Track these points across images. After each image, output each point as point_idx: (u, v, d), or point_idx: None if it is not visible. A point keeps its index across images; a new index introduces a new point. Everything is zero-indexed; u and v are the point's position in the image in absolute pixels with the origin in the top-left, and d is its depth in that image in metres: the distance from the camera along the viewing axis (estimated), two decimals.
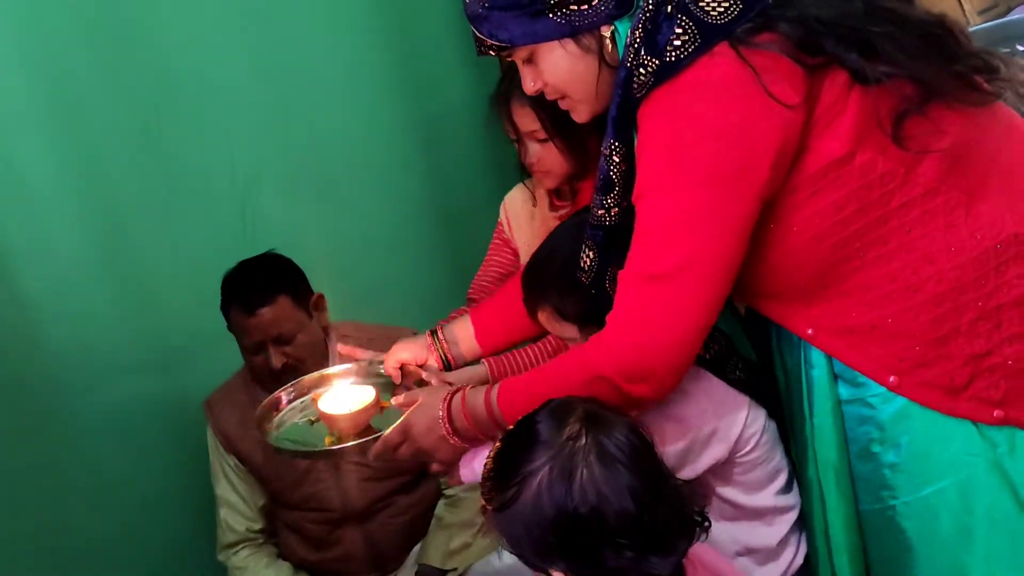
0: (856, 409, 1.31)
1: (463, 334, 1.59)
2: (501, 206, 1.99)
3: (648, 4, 1.19)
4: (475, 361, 1.62)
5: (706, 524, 1.15)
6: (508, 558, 2.16)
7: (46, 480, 2.23)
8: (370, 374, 1.67)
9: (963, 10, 3.32)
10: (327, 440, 1.53)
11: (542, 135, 1.72)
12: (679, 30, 1.15)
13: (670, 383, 1.22)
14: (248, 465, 2.09)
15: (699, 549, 1.19)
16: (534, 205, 1.90)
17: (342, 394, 1.58)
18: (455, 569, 2.10)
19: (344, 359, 1.71)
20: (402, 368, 1.59)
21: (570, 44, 1.24)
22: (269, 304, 1.92)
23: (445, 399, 1.37)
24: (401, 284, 2.68)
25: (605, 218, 1.29)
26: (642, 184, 1.20)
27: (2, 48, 2.02)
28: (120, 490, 2.31)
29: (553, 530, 1.07)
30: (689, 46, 1.15)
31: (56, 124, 2.12)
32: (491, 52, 1.28)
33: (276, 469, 2.07)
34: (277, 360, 1.93)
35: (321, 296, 2.06)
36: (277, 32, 2.34)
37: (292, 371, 1.96)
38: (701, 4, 1.16)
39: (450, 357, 1.59)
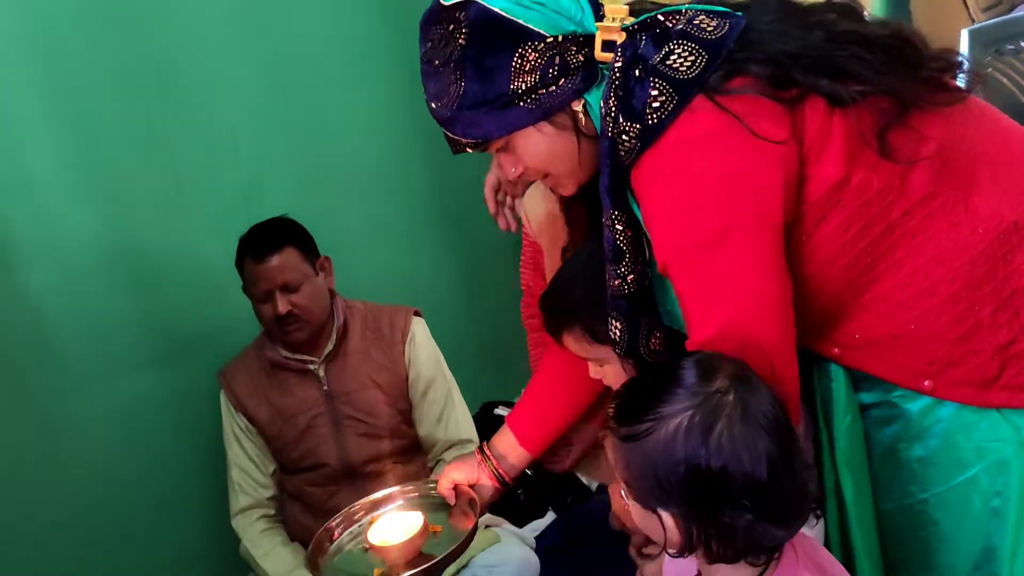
0: (880, 412, 1.31)
1: (507, 445, 1.58)
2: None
3: (615, 72, 1.18)
4: (527, 468, 1.62)
5: (818, 512, 1.13)
6: (511, 551, 2.18)
7: (53, 475, 2.21)
8: (423, 495, 1.68)
9: (967, 7, 3.34)
10: (376, 573, 1.53)
11: None
12: (655, 91, 1.15)
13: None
14: (255, 424, 2.16)
15: (800, 537, 1.16)
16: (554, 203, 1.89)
17: (392, 523, 1.59)
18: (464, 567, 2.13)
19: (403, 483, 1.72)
20: (456, 488, 1.59)
21: (544, 126, 1.23)
22: (277, 252, 2.04)
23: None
24: (406, 277, 2.70)
25: (623, 287, 1.26)
26: (664, 254, 1.18)
27: (7, 44, 2.04)
28: (128, 484, 2.30)
29: (679, 476, 1.04)
30: (668, 105, 1.14)
31: (62, 119, 2.13)
32: (467, 149, 1.27)
33: (279, 427, 2.15)
34: (283, 306, 2.03)
35: (328, 258, 2.16)
36: (284, 27, 2.39)
37: (296, 320, 2.06)
38: (668, 63, 1.15)
39: (502, 471, 1.58)
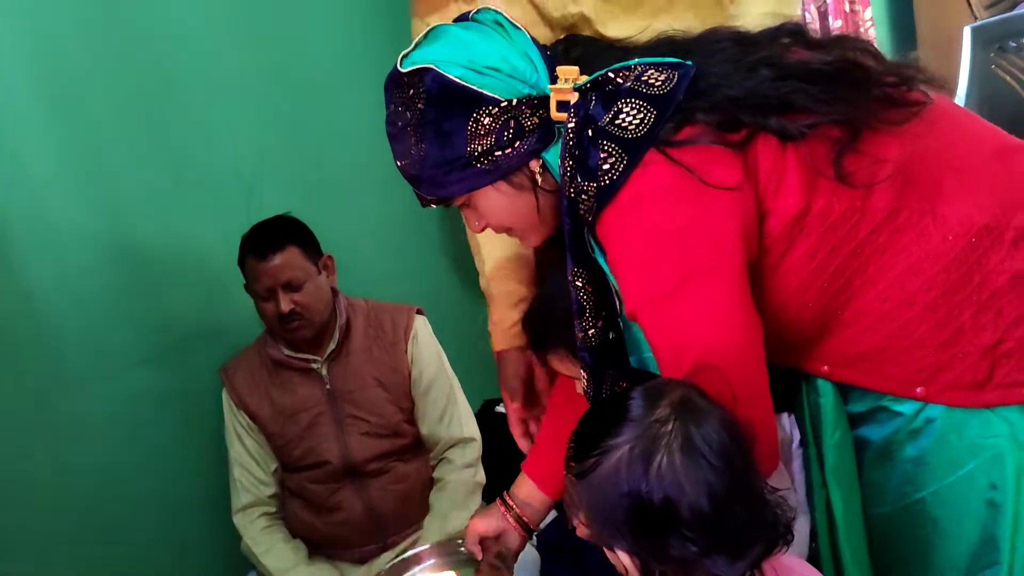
0: (873, 417, 1.32)
1: (528, 491, 1.58)
2: None
3: (569, 133, 1.21)
4: (548, 511, 1.62)
5: (789, 537, 1.12)
6: None
7: (54, 472, 2.21)
8: (452, 552, 1.69)
9: (970, 4, 3.34)
10: None
11: None
12: (603, 154, 1.18)
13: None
14: (257, 422, 2.17)
15: (789, 559, 1.16)
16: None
17: None
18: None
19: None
20: (482, 543, 1.59)
21: (502, 185, 1.26)
22: (280, 251, 2.04)
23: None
24: (404, 277, 2.70)
25: (586, 341, 1.29)
26: (631, 304, 1.22)
27: (6, 43, 2.04)
28: (129, 481, 2.30)
29: (623, 509, 1.04)
30: (618, 165, 1.18)
31: (60, 117, 2.12)
32: (433, 204, 1.31)
33: (281, 425, 2.15)
34: (285, 304, 2.04)
35: (330, 257, 2.16)
36: (283, 26, 2.38)
37: (299, 318, 2.07)
38: (617, 123, 1.18)
39: (526, 518, 1.58)
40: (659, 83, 1.19)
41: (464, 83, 1.20)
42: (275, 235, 2.07)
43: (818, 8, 3.31)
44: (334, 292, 2.18)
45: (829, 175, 1.18)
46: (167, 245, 2.30)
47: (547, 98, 1.23)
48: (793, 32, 1.28)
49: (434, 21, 1.58)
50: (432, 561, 1.68)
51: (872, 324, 1.24)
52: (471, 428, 2.28)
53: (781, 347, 1.29)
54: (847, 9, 3.31)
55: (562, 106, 1.22)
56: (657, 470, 1.03)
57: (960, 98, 2.97)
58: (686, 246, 1.16)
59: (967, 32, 2.96)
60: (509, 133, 1.21)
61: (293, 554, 2.17)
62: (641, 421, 1.06)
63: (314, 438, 2.14)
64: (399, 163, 1.28)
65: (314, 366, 2.15)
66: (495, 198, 1.27)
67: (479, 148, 1.22)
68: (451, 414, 2.24)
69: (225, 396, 2.20)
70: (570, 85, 1.22)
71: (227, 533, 2.24)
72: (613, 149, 1.18)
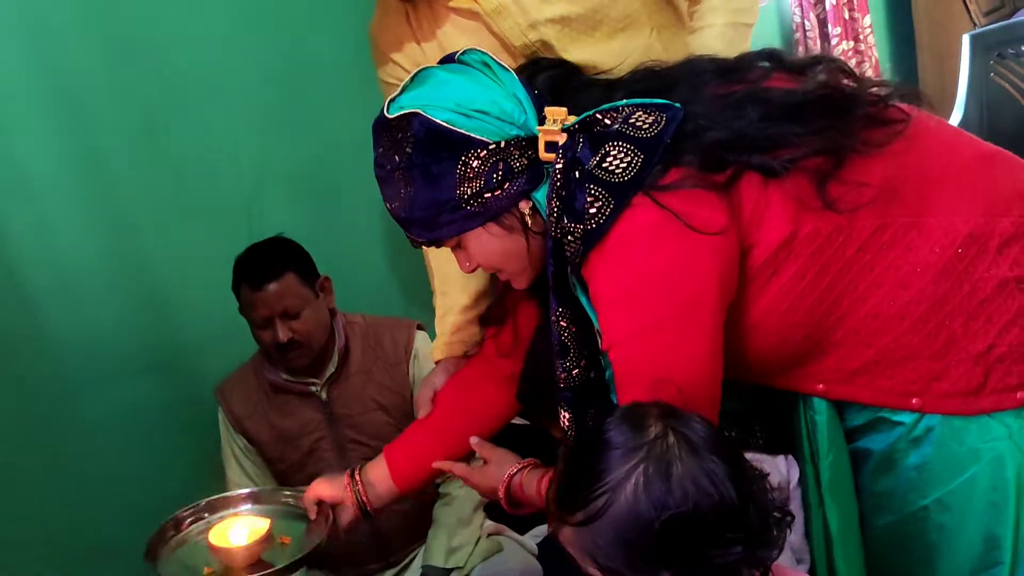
0: (873, 428, 1.32)
1: (379, 474, 1.58)
2: None
3: (556, 173, 1.21)
4: (394, 500, 1.63)
5: (788, 518, 1.11)
6: (513, 559, 2.16)
7: (54, 480, 2.22)
8: (278, 502, 1.68)
9: (969, 11, 3.35)
10: (205, 571, 1.53)
11: None
12: (590, 198, 1.19)
13: None
14: (256, 445, 2.13)
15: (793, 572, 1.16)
16: None
17: (239, 525, 1.58)
18: (460, 568, 2.11)
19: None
20: (318, 504, 1.60)
21: (492, 227, 1.27)
22: (276, 279, 1.98)
23: (506, 479, 1.45)
24: (405, 286, 2.69)
25: (569, 381, 1.30)
26: (607, 339, 1.23)
27: (8, 50, 2.06)
28: (129, 491, 2.30)
29: (654, 534, 1.00)
30: (605, 209, 1.18)
31: (62, 126, 2.14)
32: (424, 246, 1.33)
33: (281, 450, 2.12)
34: (284, 334, 1.99)
35: (327, 278, 2.12)
36: (284, 34, 2.40)
37: (298, 346, 2.02)
38: (604, 166, 1.19)
39: (366, 499, 1.58)
40: (647, 126, 1.19)
41: (452, 127, 1.20)
42: (270, 262, 2.01)
43: (817, 16, 3.32)
44: (332, 313, 2.13)
45: (815, 205, 1.20)
46: (168, 257, 2.32)
47: (535, 139, 1.23)
48: (770, 57, 1.30)
49: (398, 59, 1.63)
50: (257, 506, 1.67)
51: (864, 339, 1.25)
52: None
53: (776, 369, 1.31)
54: (846, 16, 3.31)
55: (550, 146, 1.22)
56: (679, 482, 1.01)
57: (959, 105, 2.98)
58: (668, 288, 1.17)
59: (966, 39, 2.96)
60: (498, 175, 1.22)
61: None
62: (638, 444, 1.04)
63: (316, 463, 2.10)
64: (389, 206, 1.28)
65: (313, 389, 2.11)
66: (486, 240, 1.28)
67: (468, 191, 1.22)
68: None
69: (221, 417, 2.16)
70: (558, 126, 1.22)
71: None
72: (600, 193, 1.18)
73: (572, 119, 1.23)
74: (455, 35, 1.59)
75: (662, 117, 1.19)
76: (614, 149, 1.19)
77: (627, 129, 1.19)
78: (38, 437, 2.19)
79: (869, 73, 3.33)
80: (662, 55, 1.64)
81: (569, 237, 1.21)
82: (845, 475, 1.36)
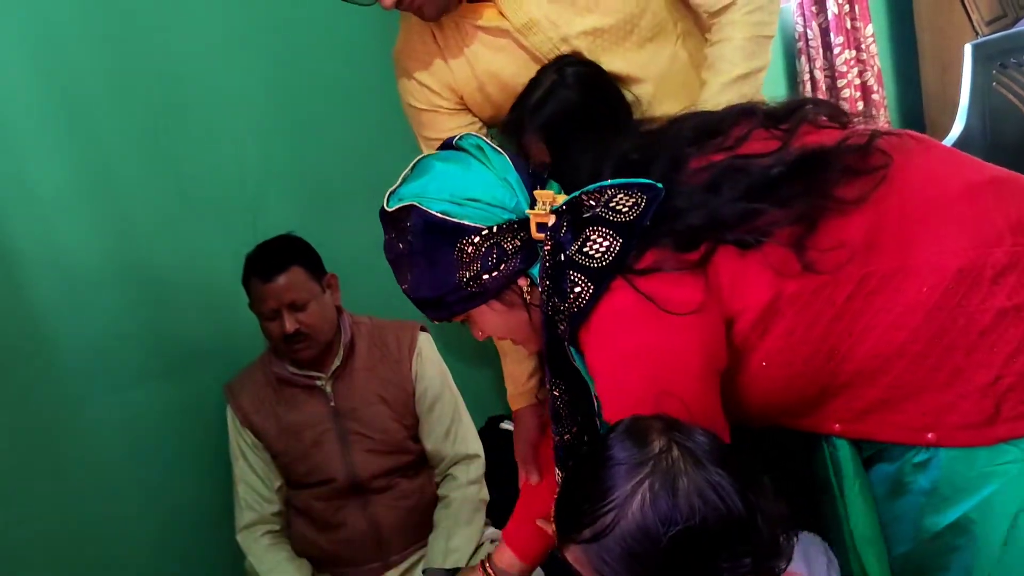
0: (882, 456, 1.33)
1: (508, 560, 1.64)
2: None
3: (546, 254, 1.27)
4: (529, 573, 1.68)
5: (796, 528, 1.11)
6: None
7: (61, 487, 2.22)
8: None
9: (971, 20, 3.35)
10: None
11: None
12: (571, 283, 1.23)
13: None
14: (262, 439, 2.18)
15: None
16: None
17: None
18: (461, 568, 2.12)
19: None
20: None
21: (495, 304, 1.33)
22: (284, 272, 2.05)
23: None
24: None
25: (561, 444, 1.35)
26: (606, 415, 1.26)
27: (13, 59, 2.07)
28: (132, 498, 2.31)
29: (663, 549, 1.00)
30: (585, 294, 1.22)
31: (66, 132, 2.14)
32: (436, 321, 1.39)
33: (286, 443, 2.16)
34: (290, 324, 2.05)
35: (334, 276, 2.17)
36: (288, 44, 2.40)
37: (304, 338, 2.08)
38: (584, 251, 1.23)
39: None
40: (627, 209, 1.23)
41: (447, 217, 1.26)
42: (279, 256, 2.08)
43: (819, 25, 3.33)
44: (338, 310, 2.19)
45: (794, 270, 1.21)
46: (173, 262, 2.31)
47: (527, 220, 1.29)
48: (751, 113, 1.33)
49: (425, 81, 1.66)
50: None
51: (868, 380, 1.25)
52: (475, 445, 2.29)
53: (789, 413, 1.32)
54: (848, 26, 3.32)
55: (541, 227, 1.28)
56: (686, 496, 1.01)
57: (961, 114, 2.99)
58: (652, 366, 1.20)
59: (968, 49, 2.97)
60: (493, 258, 1.28)
61: (298, 572, 2.17)
62: (642, 459, 1.04)
63: (319, 455, 2.15)
64: (401, 286, 1.35)
65: (319, 383, 2.16)
66: (490, 316, 1.35)
67: (467, 274, 1.28)
68: (455, 431, 2.24)
69: (230, 413, 2.21)
70: (547, 208, 1.27)
71: (231, 551, 2.25)
72: (580, 278, 1.22)
73: (562, 199, 1.28)
74: (484, 53, 1.62)
75: (642, 199, 1.23)
76: (594, 234, 1.23)
77: (607, 214, 1.23)
78: (44, 444, 2.20)
79: (872, 82, 3.34)
80: (688, 62, 1.67)
81: (558, 316, 1.25)
82: (871, 508, 1.35)
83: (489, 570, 1.63)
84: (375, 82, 2.52)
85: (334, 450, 2.15)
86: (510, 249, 1.28)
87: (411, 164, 1.35)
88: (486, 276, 1.28)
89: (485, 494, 2.26)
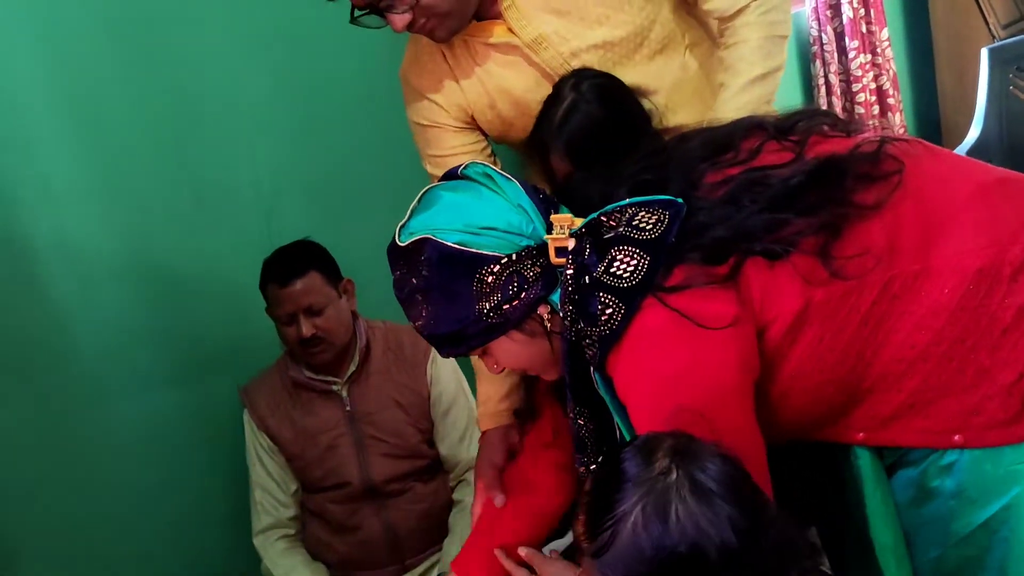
0: (905, 460, 1.32)
1: None
2: None
3: (568, 278, 1.24)
4: None
5: (820, 559, 1.11)
6: None
7: (73, 490, 2.26)
8: None
9: (988, 24, 3.33)
10: None
11: None
12: (602, 304, 1.21)
13: None
14: (278, 443, 2.19)
15: None
16: None
17: None
18: None
19: None
20: None
21: (515, 334, 1.30)
22: (301, 276, 2.07)
23: None
24: None
25: (587, 472, 1.34)
26: (637, 432, 1.25)
27: (31, 62, 2.10)
28: (148, 501, 2.34)
29: (654, 571, 1.01)
30: (617, 315, 1.20)
31: (86, 140, 2.18)
32: (451, 356, 1.36)
33: (302, 447, 2.18)
34: (307, 329, 2.07)
35: (350, 281, 2.19)
36: (303, 46, 2.41)
37: (320, 343, 2.09)
38: (612, 271, 1.21)
39: None
40: (650, 226, 1.21)
41: (463, 247, 1.23)
42: (296, 261, 2.10)
43: (834, 29, 3.32)
44: (354, 315, 2.20)
45: (822, 277, 1.21)
46: (188, 264, 2.34)
47: (546, 245, 1.26)
48: (758, 127, 1.32)
49: (436, 99, 1.66)
50: None
51: (894, 384, 1.25)
52: None
53: (815, 425, 1.32)
54: (863, 29, 3.30)
55: (560, 251, 1.26)
56: (676, 521, 1.00)
57: (978, 119, 2.98)
58: (688, 385, 1.18)
59: (984, 54, 2.96)
60: (514, 287, 1.25)
61: None
62: (644, 478, 1.04)
63: (335, 459, 2.17)
64: (414, 325, 1.31)
65: (334, 388, 2.17)
66: (509, 346, 1.31)
67: (487, 305, 1.25)
68: (471, 435, 2.24)
69: (246, 417, 2.23)
70: (565, 232, 1.25)
71: (247, 553, 2.26)
72: (610, 300, 1.20)
73: (579, 222, 1.26)
74: (494, 70, 1.62)
75: (664, 215, 1.22)
76: (620, 253, 1.21)
77: (631, 232, 1.21)
78: (63, 442, 2.23)
79: (887, 86, 3.33)
80: (698, 71, 1.67)
81: (586, 340, 1.23)
82: (892, 514, 1.35)
83: None
84: (389, 85, 2.52)
85: (350, 454, 2.17)
86: (530, 276, 1.25)
87: (418, 196, 1.32)
88: (507, 306, 1.25)
89: None
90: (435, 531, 2.24)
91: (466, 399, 2.27)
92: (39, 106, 2.12)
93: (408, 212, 1.30)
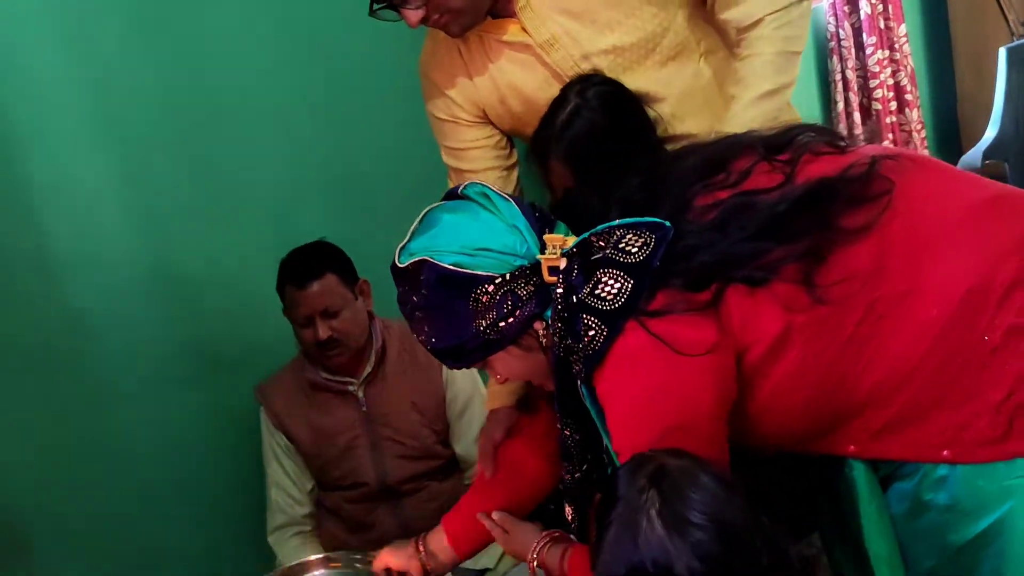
0: (900, 473, 1.32)
1: (439, 544, 1.67)
2: None
3: (558, 296, 1.28)
4: (456, 564, 1.70)
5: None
6: None
7: (93, 486, 2.28)
8: (351, 565, 1.78)
9: (1008, 21, 3.31)
10: None
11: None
12: (584, 326, 1.24)
13: None
14: (295, 443, 2.21)
15: None
16: None
17: None
18: (491, 569, 2.16)
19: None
20: (387, 571, 1.68)
21: (512, 349, 1.34)
22: (318, 278, 2.07)
23: (534, 548, 1.53)
24: None
25: (572, 481, 1.39)
26: (615, 447, 1.28)
27: (55, 66, 2.13)
28: (166, 496, 2.37)
29: None
30: (599, 336, 1.23)
31: (106, 142, 2.21)
32: (455, 368, 1.42)
33: (319, 447, 2.19)
34: (324, 331, 2.07)
35: (366, 282, 2.19)
36: (319, 47, 2.43)
37: (337, 345, 2.10)
38: (597, 293, 1.24)
39: (429, 567, 1.66)
40: (636, 249, 1.24)
41: (459, 268, 1.28)
42: (313, 263, 2.10)
43: (852, 25, 3.31)
44: (370, 316, 2.21)
45: (804, 303, 1.22)
46: (208, 265, 2.36)
47: (539, 264, 1.30)
48: (749, 147, 1.33)
49: (451, 95, 1.68)
50: (322, 571, 1.77)
51: (884, 400, 1.26)
52: None
53: (805, 437, 1.33)
54: (881, 26, 3.29)
55: (553, 270, 1.29)
56: (645, 538, 1.04)
57: (995, 118, 2.96)
58: (664, 407, 1.22)
59: (1003, 53, 2.94)
60: (508, 305, 1.29)
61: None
62: (625, 495, 1.08)
63: (351, 460, 2.18)
64: (418, 338, 1.37)
65: (351, 388, 2.18)
66: (508, 360, 1.36)
67: (483, 323, 1.30)
68: None
69: (263, 416, 2.24)
70: (558, 252, 1.29)
71: (262, 551, 2.28)
72: (593, 321, 1.24)
73: (571, 241, 1.29)
74: (506, 67, 1.64)
75: (651, 238, 1.24)
76: (605, 276, 1.24)
77: (617, 255, 1.24)
78: (79, 444, 2.25)
79: (905, 82, 3.32)
80: (711, 80, 1.67)
81: (573, 356, 1.27)
82: (887, 526, 1.36)
83: (421, 548, 1.66)
84: (406, 84, 2.53)
85: (366, 455, 2.18)
86: (524, 295, 1.29)
87: (419, 217, 1.36)
88: (502, 323, 1.30)
89: None
90: None
91: (482, 399, 2.24)
92: (67, 113, 2.14)
93: (409, 233, 1.35)
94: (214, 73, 2.31)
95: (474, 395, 2.26)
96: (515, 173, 1.78)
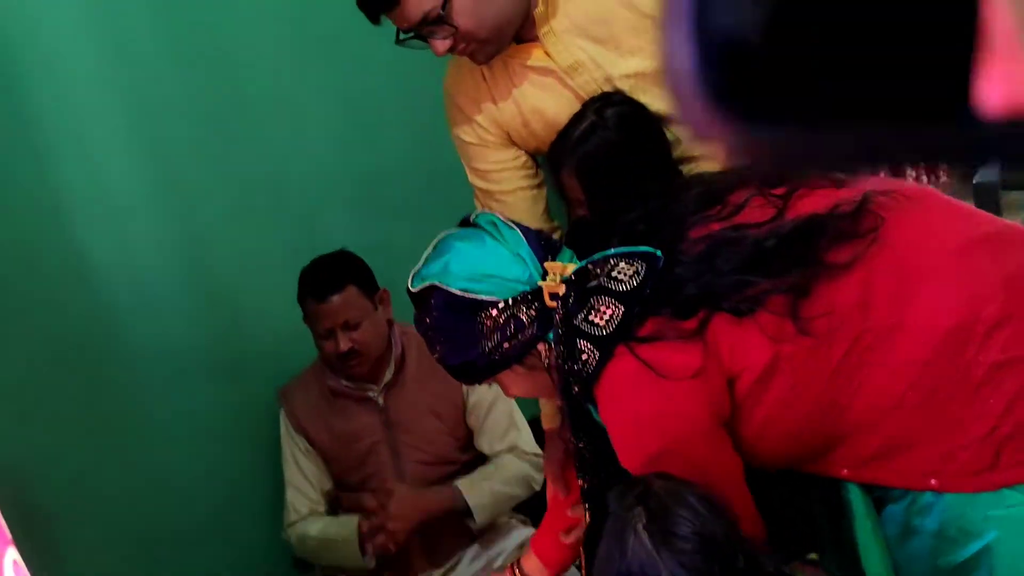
0: (890, 497, 1.35)
1: (532, 566, 1.74)
2: None
3: (558, 321, 1.35)
4: None
5: None
6: None
7: (126, 478, 2.32)
8: None
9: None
10: None
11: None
12: (578, 351, 1.32)
13: None
14: (315, 446, 2.24)
15: None
16: None
17: None
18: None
19: None
20: None
21: (517, 368, 1.43)
22: (338, 292, 2.10)
23: None
24: None
25: (591, 489, 1.44)
26: (621, 462, 1.35)
27: (92, 72, 2.14)
28: (189, 488, 2.40)
29: None
30: (592, 360, 1.32)
31: (141, 142, 2.23)
32: (467, 384, 1.52)
33: (339, 452, 2.22)
34: (344, 344, 2.10)
35: (386, 291, 2.20)
36: (348, 51, 2.42)
37: (358, 355, 2.12)
38: (590, 319, 1.32)
39: None
40: (627, 277, 1.31)
41: (465, 294, 1.38)
42: (333, 275, 2.12)
43: None
44: (389, 323, 2.22)
45: (789, 333, 1.26)
46: (238, 263, 2.39)
47: (541, 290, 1.38)
48: (745, 180, 1.35)
49: (477, 119, 1.70)
50: None
51: (870, 429, 1.29)
52: (532, 447, 2.27)
53: (799, 460, 1.37)
54: None
55: (554, 296, 1.37)
56: (633, 549, 1.11)
57: None
58: (658, 427, 1.31)
59: None
60: (511, 328, 1.38)
61: (349, 519, 2.22)
62: (609, 513, 1.17)
63: (371, 466, 2.21)
64: (433, 356, 1.47)
65: (371, 395, 2.21)
66: (514, 378, 1.46)
67: (489, 345, 1.39)
68: (513, 439, 2.26)
69: (283, 418, 2.26)
70: (558, 279, 1.37)
71: (281, 547, 2.34)
72: (586, 346, 1.32)
73: (571, 268, 1.37)
74: (531, 92, 1.65)
75: (642, 267, 1.31)
76: (598, 303, 1.32)
77: (609, 283, 1.32)
78: (109, 434, 2.29)
79: None
80: None
81: (572, 378, 1.35)
82: (882, 546, 1.38)
83: (517, 572, 1.75)
84: (432, 90, 2.55)
85: (386, 461, 2.21)
86: (526, 319, 1.37)
87: (432, 244, 1.46)
88: (506, 345, 1.38)
89: (537, 484, 2.23)
90: (467, 533, 2.26)
91: (504, 402, 2.25)
92: (100, 115, 2.16)
93: (422, 259, 1.44)
94: (248, 76, 2.33)
95: (497, 399, 2.24)
96: (543, 192, 1.79)
